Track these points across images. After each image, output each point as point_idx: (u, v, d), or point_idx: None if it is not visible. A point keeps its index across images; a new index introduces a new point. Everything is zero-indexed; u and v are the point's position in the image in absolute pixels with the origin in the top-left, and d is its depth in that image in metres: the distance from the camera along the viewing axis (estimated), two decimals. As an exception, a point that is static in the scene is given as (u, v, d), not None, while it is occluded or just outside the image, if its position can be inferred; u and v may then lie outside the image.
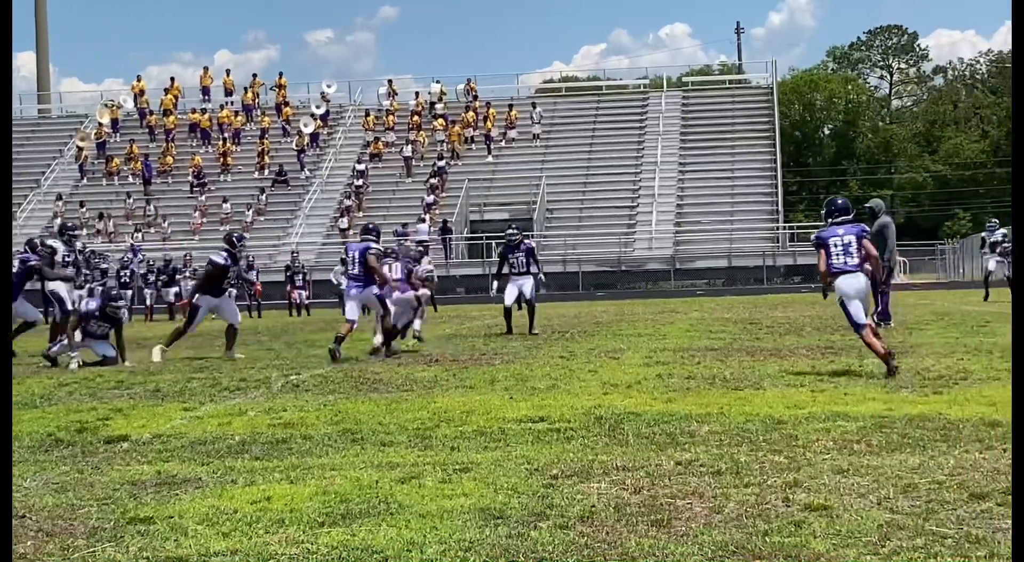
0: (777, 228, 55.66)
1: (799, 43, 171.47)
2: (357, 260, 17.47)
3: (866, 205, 22.75)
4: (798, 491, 6.51)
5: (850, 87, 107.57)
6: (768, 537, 5.55)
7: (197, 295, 18.29)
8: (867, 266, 13.07)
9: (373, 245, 17.45)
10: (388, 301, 17.67)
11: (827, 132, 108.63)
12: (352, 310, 17.65)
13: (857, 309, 12.72)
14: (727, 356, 15.19)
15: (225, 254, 18.21)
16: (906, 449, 7.71)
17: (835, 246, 12.88)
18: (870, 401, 10.06)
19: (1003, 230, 32.61)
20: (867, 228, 13.65)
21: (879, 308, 20.51)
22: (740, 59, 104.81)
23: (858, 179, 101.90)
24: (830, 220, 13.19)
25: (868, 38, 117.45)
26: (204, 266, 18.35)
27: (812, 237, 13.77)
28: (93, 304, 17.45)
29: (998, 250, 30.98)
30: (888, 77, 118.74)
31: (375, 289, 17.41)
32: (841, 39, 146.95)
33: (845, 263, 12.80)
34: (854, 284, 12.77)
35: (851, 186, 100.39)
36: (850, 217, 13.23)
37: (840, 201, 13.52)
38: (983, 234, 33.37)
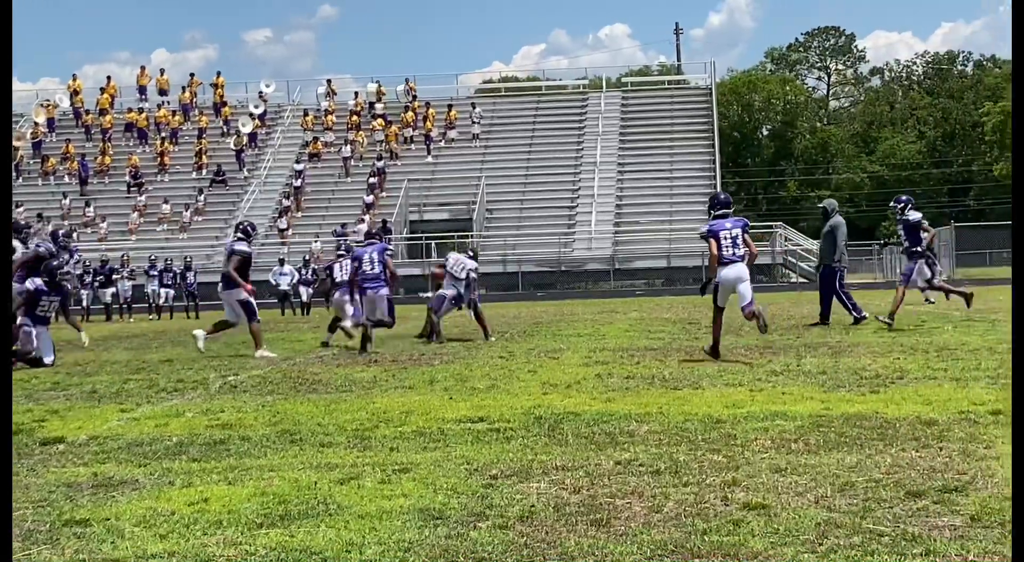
0: (716, 229, 55.74)
1: (738, 44, 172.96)
2: (376, 260, 18.16)
3: (820, 205, 22.98)
4: (736, 490, 6.53)
5: (788, 88, 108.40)
6: (707, 536, 5.57)
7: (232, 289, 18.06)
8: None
9: (389, 246, 18.29)
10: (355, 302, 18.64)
11: (765, 133, 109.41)
12: (373, 311, 18.26)
13: (744, 289, 14.17)
14: (666, 356, 15.24)
15: (244, 242, 18.24)
16: (843, 448, 7.76)
17: (725, 238, 14.21)
18: (808, 400, 10.12)
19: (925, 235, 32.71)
20: (748, 222, 14.81)
21: (825, 311, 20.58)
22: (679, 60, 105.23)
23: (796, 179, 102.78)
24: (713, 213, 14.58)
25: (806, 39, 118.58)
26: (227, 256, 18.26)
27: (702, 230, 14.82)
28: (39, 280, 17.25)
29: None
30: (826, 78, 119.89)
31: (388, 290, 18.28)
32: (779, 40, 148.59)
33: (733, 254, 14.19)
34: (734, 273, 14.19)
35: (789, 186, 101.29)
36: (730, 211, 14.66)
37: (723, 196, 15.01)
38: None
